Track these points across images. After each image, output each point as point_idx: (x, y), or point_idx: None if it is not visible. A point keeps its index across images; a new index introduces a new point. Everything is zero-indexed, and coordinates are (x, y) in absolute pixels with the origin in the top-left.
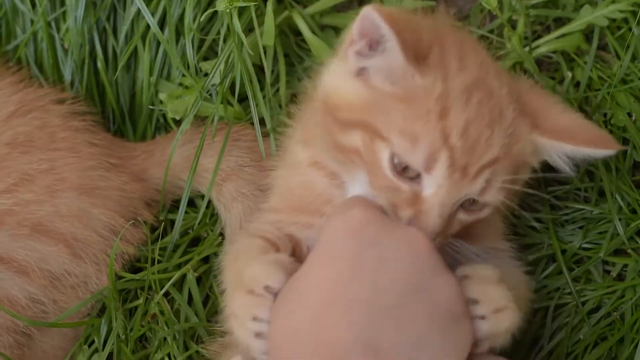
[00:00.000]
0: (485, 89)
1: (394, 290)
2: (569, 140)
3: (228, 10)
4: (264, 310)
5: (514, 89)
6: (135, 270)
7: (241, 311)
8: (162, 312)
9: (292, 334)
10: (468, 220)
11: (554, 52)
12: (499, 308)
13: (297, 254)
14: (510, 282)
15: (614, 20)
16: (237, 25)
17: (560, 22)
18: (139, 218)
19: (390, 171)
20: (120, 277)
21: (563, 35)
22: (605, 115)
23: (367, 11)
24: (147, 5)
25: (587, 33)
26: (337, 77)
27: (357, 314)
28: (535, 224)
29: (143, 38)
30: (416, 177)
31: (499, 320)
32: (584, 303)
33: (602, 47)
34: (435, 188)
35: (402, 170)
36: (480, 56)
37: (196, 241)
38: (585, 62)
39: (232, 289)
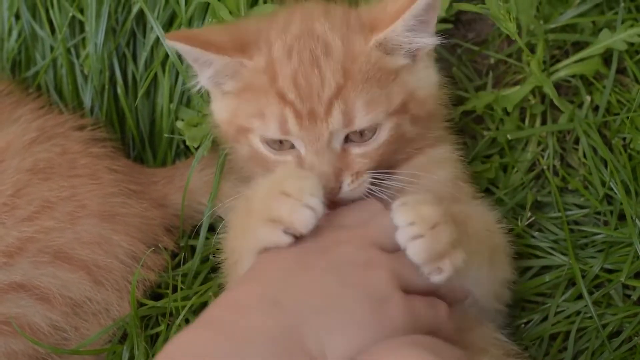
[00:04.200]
0: (307, 36)
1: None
2: (394, 19)
3: None
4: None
5: (347, 16)
6: (157, 296)
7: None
8: None
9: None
10: (371, 151)
11: (573, 76)
12: (434, 224)
13: None
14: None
15: (632, 44)
16: None
17: (578, 46)
18: (159, 244)
19: (270, 152)
20: (141, 304)
21: (582, 60)
22: (624, 139)
23: (169, 44)
24: (166, 31)
25: (606, 57)
26: (214, 108)
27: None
28: (554, 246)
29: (163, 64)
30: (292, 145)
31: (436, 235)
32: (604, 326)
33: (621, 71)
34: (300, 141)
35: (279, 145)
36: (306, 11)
37: (217, 267)
38: (604, 86)
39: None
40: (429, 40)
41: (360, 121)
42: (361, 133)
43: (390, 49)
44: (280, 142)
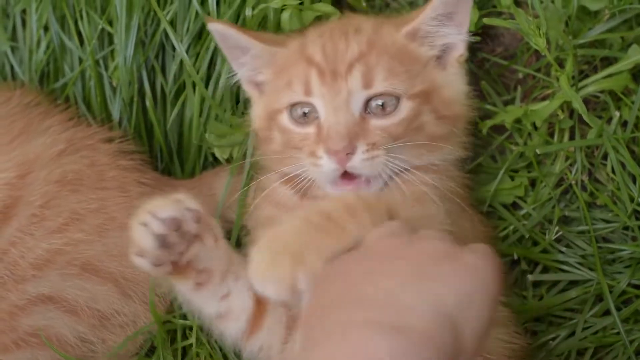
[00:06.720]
0: (342, 24)
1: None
2: (424, 9)
3: None
4: None
5: (383, 19)
6: None
7: None
8: (211, 356)
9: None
10: (390, 126)
11: (602, 91)
12: None
13: None
14: None
15: None
16: None
17: (607, 61)
18: None
19: (294, 126)
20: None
21: (610, 75)
22: None
23: (211, 28)
24: (195, 45)
25: (635, 72)
26: (254, 110)
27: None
28: (582, 261)
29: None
30: (315, 116)
31: None
32: (631, 342)
33: None
34: (320, 100)
35: (304, 118)
36: (343, 20)
37: None
38: (632, 102)
39: None
40: (456, 36)
41: (379, 85)
42: (383, 106)
43: (419, 38)
44: (305, 115)
